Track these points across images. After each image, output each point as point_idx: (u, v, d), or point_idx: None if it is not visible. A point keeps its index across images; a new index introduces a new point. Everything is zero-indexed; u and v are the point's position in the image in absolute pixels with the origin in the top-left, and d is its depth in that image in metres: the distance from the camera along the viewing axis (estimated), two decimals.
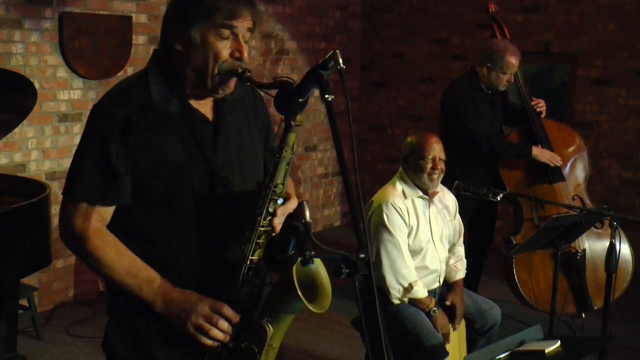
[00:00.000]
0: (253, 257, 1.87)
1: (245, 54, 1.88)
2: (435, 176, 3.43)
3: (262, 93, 2.06)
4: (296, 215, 1.78)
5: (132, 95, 1.89)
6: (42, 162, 4.89)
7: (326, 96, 1.72)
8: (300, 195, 6.94)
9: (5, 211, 3.50)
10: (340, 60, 1.70)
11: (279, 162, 1.86)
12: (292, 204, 1.93)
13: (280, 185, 1.87)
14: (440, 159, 3.43)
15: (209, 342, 1.86)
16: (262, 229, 1.87)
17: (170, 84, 1.92)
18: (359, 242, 1.67)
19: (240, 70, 1.85)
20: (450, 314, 3.46)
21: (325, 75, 1.74)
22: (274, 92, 1.85)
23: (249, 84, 1.87)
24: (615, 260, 3.27)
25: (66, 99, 4.99)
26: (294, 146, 1.88)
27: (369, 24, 7.49)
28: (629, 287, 4.43)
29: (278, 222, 1.88)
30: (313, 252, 1.74)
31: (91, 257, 1.89)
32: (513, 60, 4.34)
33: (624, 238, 4.10)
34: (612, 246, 3.26)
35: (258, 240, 1.87)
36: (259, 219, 1.86)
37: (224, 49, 1.86)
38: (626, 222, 3.30)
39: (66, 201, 1.92)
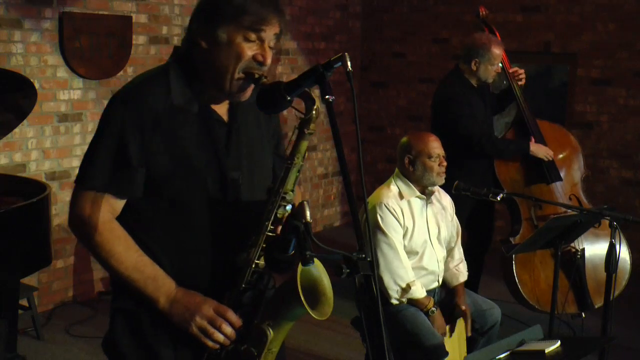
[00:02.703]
0: (258, 262, 1.88)
1: (268, 60, 1.89)
2: (442, 172, 3.46)
3: None
4: (296, 215, 1.78)
5: (152, 90, 1.90)
6: (42, 162, 4.89)
7: (327, 96, 1.72)
8: (301, 196, 6.94)
9: (5, 211, 3.50)
10: (349, 64, 1.70)
11: (291, 169, 1.87)
12: None
13: (290, 192, 1.88)
14: (443, 155, 3.48)
15: (210, 343, 1.87)
16: (269, 234, 1.87)
17: (190, 82, 1.93)
18: (359, 242, 1.67)
19: (257, 75, 1.86)
20: (451, 314, 3.47)
21: (328, 75, 1.74)
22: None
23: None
24: (615, 260, 3.26)
25: (66, 99, 4.99)
26: (305, 154, 1.89)
27: (369, 24, 7.49)
28: (628, 286, 4.44)
29: None
30: (313, 252, 1.75)
31: (99, 249, 1.89)
32: (498, 51, 4.42)
33: (622, 237, 4.11)
34: (612, 246, 3.25)
35: (264, 245, 1.87)
36: (266, 223, 1.86)
37: (249, 50, 1.87)
38: (626, 222, 3.30)
39: (77, 190, 1.92)
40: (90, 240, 1.89)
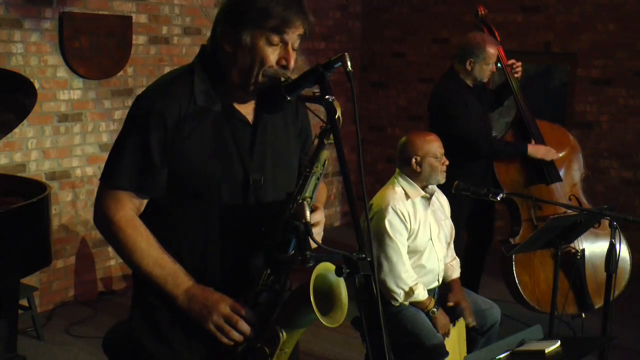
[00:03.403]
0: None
1: (292, 63, 1.90)
2: (445, 170, 3.49)
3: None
4: (296, 215, 1.78)
5: (176, 90, 1.92)
6: (42, 162, 4.88)
7: (327, 97, 1.72)
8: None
9: (5, 211, 3.50)
10: (349, 64, 1.70)
11: (309, 177, 1.88)
12: (318, 216, 1.94)
13: (309, 199, 1.88)
14: (443, 154, 3.49)
15: (226, 340, 1.90)
16: None
17: (214, 82, 1.94)
18: (359, 242, 1.67)
19: (283, 78, 1.86)
20: (453, 312, 3.46)
21: (327, 75, 1.74)
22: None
23: None
24: (615, 261, 3.26)
25: (66, 99, 4.99)
26: (325, 163, 1.90)
27: (369, 24, 7.48)
28: (628, 286, 4.44)
29: None
30: (313, 252, 1.75)
31: (122, 245, 1.93)
32: (493, 50, 4.41)
33: (622, 237, 4.11)
34: (612, 246, 3.25)
35: None
36: None
37: (272, 54, 1.88)
38: (626, 222, 3.30)
39: (103, 187, 1.97)
40: (114, 237, 1.94)
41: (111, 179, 1.93)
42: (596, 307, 4.25)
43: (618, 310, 3.72)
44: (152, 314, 1.99)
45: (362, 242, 1.67)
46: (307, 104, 1.89)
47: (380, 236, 3.35)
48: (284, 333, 1.86)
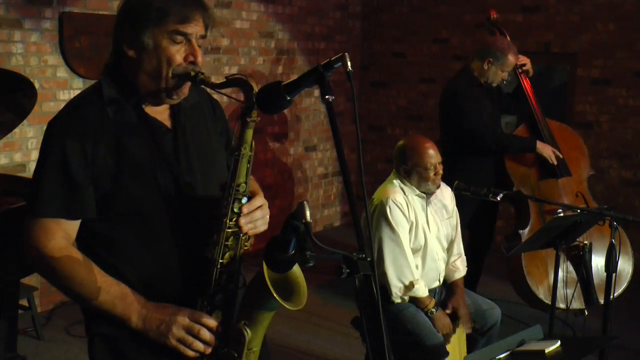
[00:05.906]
0: (223, 260, 1.86)
1: (199, 58, 1.86)
2: (438, 179, 3.46)
3: (219, 97, 2.04)
4: (296, 215, 1.78)
5: (87, 108, 1.86)
6: None
7: (327, 96, 1.72)
8: (301, 196, 6.94)
9: (5, 211, 3.50)
10: (349, 64, 1.69)
11: (239, 160, 1.84)
12: (258, 201, 1.90)
13: (243, 184, 1.85)
14: (439, 163, 3.45)
15: (191, 353, 1.84)
16: (229, 230, 1.85)
17: (124, 93, 1.88)
18: (359, 241, 1.67)
19: (193, 73, 1.83)
20: (453, 317, 3.47)
21: (327, 75, 1.74)
22: (232, 92, 1.81)
23: (203, 86, 1.85)
24: (615, 260, 3.27)
25: (66, 99, 4.98)
26: (253, 143, 1.86)
27: (369, 24, 7.49)
28: (629, 286, 4.43)
29: (244, 221, 1.86)
30: (313, 252, 1.75)
31: (60, 277, 1.84)
32: (513, 60, 4.46)
33: (624, 236, 4.13)
34: (612, 246, 3.26)
35: (227, 243, 1.85)
36: (224, 220, 1.84)
37: (177, 53, 1.84)
38: (626, 222, 3.31)
39: (28, 221, 1.86)
40: (49, 269, 1.84)
41: (35, 208, 1.83)
42: (601, 302, 4.24)
43: (618, 310, 3.72)
44: (112, 343, 1.91)
45: (362, 242, 1.66)
46: (222, 90, 1.85)
47: (383, 228, 3.35)
48: (249, 331, 1.83)
